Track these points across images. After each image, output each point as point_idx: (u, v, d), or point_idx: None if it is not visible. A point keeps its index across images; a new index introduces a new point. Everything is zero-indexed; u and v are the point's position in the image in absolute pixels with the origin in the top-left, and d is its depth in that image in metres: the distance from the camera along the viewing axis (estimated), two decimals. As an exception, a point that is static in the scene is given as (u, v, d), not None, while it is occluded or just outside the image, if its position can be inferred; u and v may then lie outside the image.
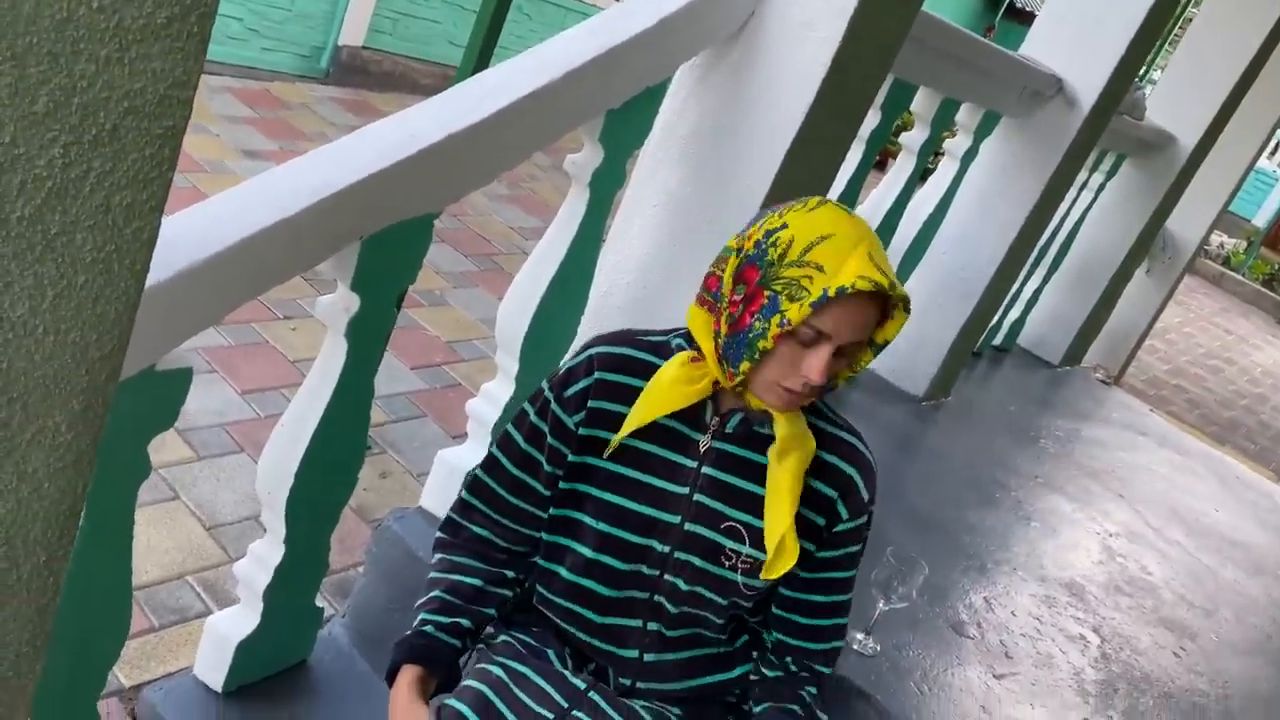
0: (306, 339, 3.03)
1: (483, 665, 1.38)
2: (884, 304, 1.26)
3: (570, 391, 1.38)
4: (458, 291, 3.89)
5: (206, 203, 1.39)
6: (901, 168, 2.86)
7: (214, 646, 1.80)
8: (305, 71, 5.93)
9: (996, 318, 4.03)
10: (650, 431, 1.37)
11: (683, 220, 2.01)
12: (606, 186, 1.87)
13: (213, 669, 1.81)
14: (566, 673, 1.40)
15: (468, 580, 1.44)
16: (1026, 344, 4.50)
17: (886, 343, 1.30)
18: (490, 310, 4.03)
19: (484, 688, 1.33)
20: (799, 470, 1.32)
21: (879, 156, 2.76)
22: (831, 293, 1.20)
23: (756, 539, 1.36)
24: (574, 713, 1.34)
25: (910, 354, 3.33)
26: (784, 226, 1.25)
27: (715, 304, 1.31)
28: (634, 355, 1.40)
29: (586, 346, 1.42)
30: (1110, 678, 2.19)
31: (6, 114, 0.81)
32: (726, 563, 1.37)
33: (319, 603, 1.92)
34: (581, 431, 1.38)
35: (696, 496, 1.37)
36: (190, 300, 1.32)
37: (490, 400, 2.01)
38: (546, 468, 1.41)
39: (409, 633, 1.40)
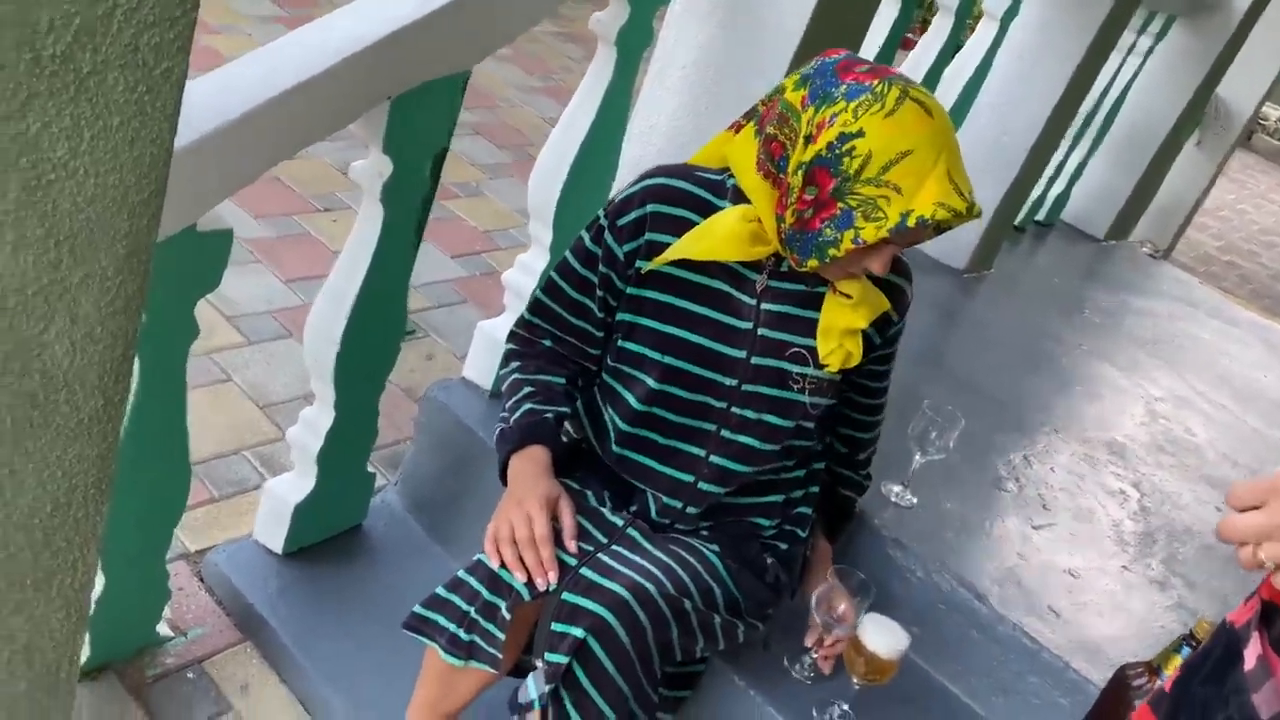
0: (347, 229, 3.04)
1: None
2: None
3: (623, 220, 1.41)
4: (493, 182, 3.89)
5: (234, 63, 1.41)
6: (939, 29, 2.79)
7: (272, 510, 1.88)
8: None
9: (1039, 191, 3.95)
10: (707, 266, 1.39)
11: (714, 81, 1.98)
12: (634, 45, 1.85)
13: (272, 532, 1.89)
14: (605, 510, 1.45)
15: (554, 380, 1.51)
16: (1070, 219, 4.41)
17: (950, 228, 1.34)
18: (525, 200, 4.04)
19: None
20: (869, 316, 1.40)
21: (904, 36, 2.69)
22: (911, 222, 1.21)
23: (819, 361, 1.42)
24: (613, 546, 1.40)
25: (950, 226, 3.28)
26: (860, 134, 1.21)
27: (778, 178, 1.30)
28: (690, 190, 1.41)
29: (644, 176, 1.44)
30: (1150, 529, 2.21)
31: (29, -55, 0.83)
32: (795, 386, 1.43)
33: (374, 475, 1.99)
34: (638, 264, 1.41)
35: (760, 330, 1.40)
36: (222, 160, 1.34)
37: (526, 270, 2.03)
38: (599, 291, 1.46)
39: (513, 420, 1.46)
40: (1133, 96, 4.19)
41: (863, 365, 1.46)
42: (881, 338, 1.48)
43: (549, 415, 1.45)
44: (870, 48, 2.51)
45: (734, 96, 1.95)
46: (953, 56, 2.93)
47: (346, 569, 1.95)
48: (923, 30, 2.89)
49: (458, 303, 3.05)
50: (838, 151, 1.22)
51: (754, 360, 1.41)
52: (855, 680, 1.53)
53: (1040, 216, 4.16)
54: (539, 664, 1.34)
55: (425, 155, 1.64)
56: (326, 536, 1.96)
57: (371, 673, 1.75)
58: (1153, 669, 1.43)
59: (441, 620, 1.39)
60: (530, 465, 1.41)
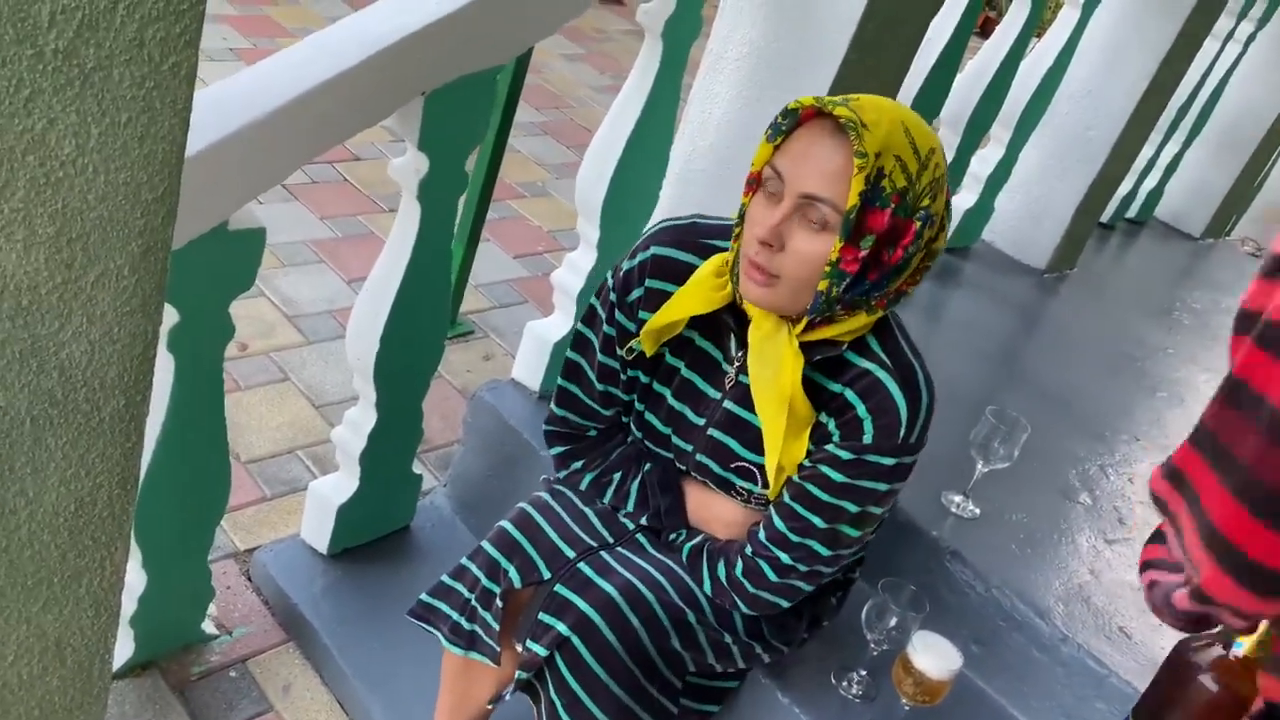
0: (411, 230, 3.07)
1: (537, 492, 1.41)
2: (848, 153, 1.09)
3: (630, 298, 1.33)
4: (559, 182, 3.87)
5: (266, 60, 1.40)
6: (1014, 17, 2.66)
7: (317, 510, 1.88)
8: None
9: (1131, 186, 3.77)
10: (688, 353, 1.32)
11: (767, 75, 1.91)
12: (681, 36, 1.80)
13: (318, 532, 1.89)
14: (620, 511, 1.41)
15: (623, 449, 1.44)
16: (1165, 216, 4.20)
17: (850, 217, 1.10)
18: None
19: (529, 507, 1.37)
20: (782, 390, 1.21)
21: (980, 20, 2.57)
22: (780, 117, 1.13)
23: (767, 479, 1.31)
24: (617, 548, 1.36)
25: (1031, 223, 3.15)
26: None
27: None
28: (688, 261, 1.29)
29: (647, 242, 1.33)
30: (1237, 546, 2.06)
31: (25, -61, 0.81)
32: (739, 499, 1.35)
33: (426, 478, 1.98)
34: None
35: (710, 431, 1.33)
36: (254, 156, 1.33)
37: (574, 270, 1.99)
38: (623, 376, 1.39)
39: (640, 498, 1.41)
40: (1233, 86, 3.97)
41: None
42: (835, 431, 1.23)
43: (648, 465, 1.41)
44: (938, 39, 2.42)
45: (789, 86, 1.88)
46: (1026, 45, 2.80)
47: (391, 571, 1.93)
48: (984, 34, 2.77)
49: (518, 303, 3.04)
50: None
51: (699, 457, 1.34)
52: (904, 700, 1.45)
53: (1131, 214, 3.97)
54: (519, 649, 1.31)
55: (462, 151, 1.61)
56: (373, 537, 1.95)
57: (411, 678, 1.73)
58: (1224, 639, 1.30)
59: (444, 608, 1.38)
60: (697, 488, 1.39)
